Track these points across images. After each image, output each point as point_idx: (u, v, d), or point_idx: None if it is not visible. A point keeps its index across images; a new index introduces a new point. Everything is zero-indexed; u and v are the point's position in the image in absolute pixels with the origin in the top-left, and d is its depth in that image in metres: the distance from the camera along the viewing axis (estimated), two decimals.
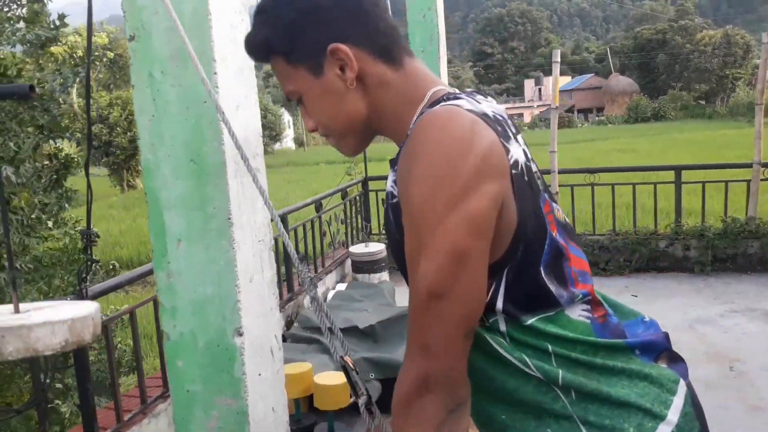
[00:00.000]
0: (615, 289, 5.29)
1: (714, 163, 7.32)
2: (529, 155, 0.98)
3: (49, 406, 4.29)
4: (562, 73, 74.01)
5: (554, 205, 1.02)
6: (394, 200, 0.95)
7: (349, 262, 5.02)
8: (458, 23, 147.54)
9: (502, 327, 0.94)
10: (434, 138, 0.87)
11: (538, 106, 62.36)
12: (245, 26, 1.91)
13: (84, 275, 2.13)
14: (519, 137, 0.99)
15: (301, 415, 2.85)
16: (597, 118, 55.88)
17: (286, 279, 4.15)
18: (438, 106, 0.94)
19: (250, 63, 1.89)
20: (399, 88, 1.00)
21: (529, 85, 75.04)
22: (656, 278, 5.57)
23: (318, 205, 4.69)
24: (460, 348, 0.88)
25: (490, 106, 0.98)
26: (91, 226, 2.16)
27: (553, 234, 0.95)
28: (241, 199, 1.85)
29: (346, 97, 0.99)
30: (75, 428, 2.85)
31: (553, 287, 0.94)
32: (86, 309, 1.24)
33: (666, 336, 1.06)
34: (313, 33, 0.97)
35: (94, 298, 2.36)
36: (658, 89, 56.71)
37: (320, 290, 4.61)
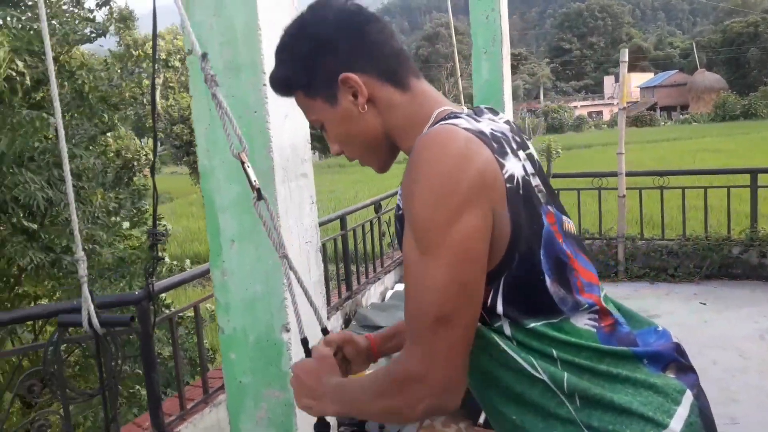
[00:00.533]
0: (683, 296, 5.12)
1: None
2: (529, 170, 1.01)
3: (130, 391, 4.59)
4: (644, 70, 71.42)
5: (563, 217, 1.05)
6: (400, 212, 1.02)
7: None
8: (535, 19, 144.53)
9: (507, 331, 1.00)
10: (431, 156, 0.93)
11: (617, 103, 60.33)
12: None
13: (151, 271, 2.29)
14: (521, 152, 1.03)
15: None
16: (681, 116, 53.49)
17: (345, 278, 4.27)
18: (437, 125, 1.00)
19: None
20: (406, 110, 1.07)
21: (609, 81, 72.70)
22: (728, 286, 5.34)
23: (377, 206, 4.78)
24: (461, 361, 0.95)
25: (490, 123, 1.03)
26: (157, 226, 2.32)
27: (559, 244, 0.99)
28: (288, 203, 1.96)
29: (361, 121, 1.08)
30: (145, 414, 3.06)
31: (556, 295, 0.98)
32: None
33: (676, 346, 1.08)
34: (324, 65, 1.06)
35: (159, 293, 2.54)
36: (748, 86, 53.71)
37: (378, 290, 4.70)
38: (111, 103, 3.58)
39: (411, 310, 0.96)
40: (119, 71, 3.76)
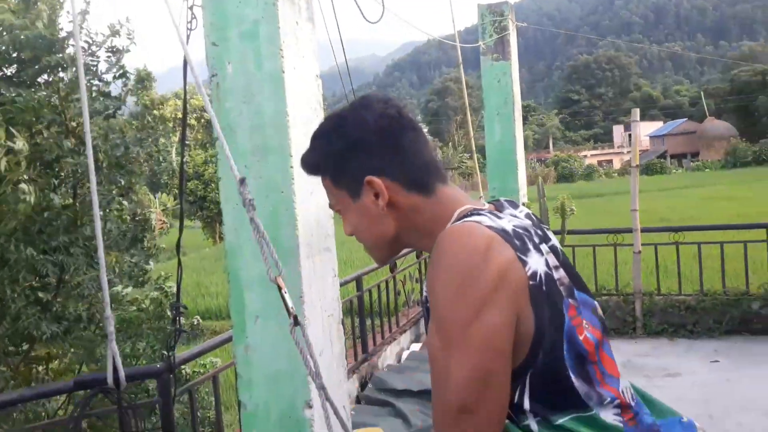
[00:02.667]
0: (703, 354, 5.05)
1: None
2: (552, 263, 1.03)
3: None
4: (653, 118, 71.78)
5: (590, 301, 1.07)
6: (427, 304, 1.05)
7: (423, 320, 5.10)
8: (543, 71, 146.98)
9: (534, 427, 1.01)
10: (453, 250, 0.97)
11: (627, 151, 60.63)
12: (319, 120, 2.10)
13: (172, 344, 2.32)
14: (544, 246, 1.05)
15: None
16: (692, 163, 53.61)
17: (360, 337, 4.25)
18: (460, 221, 1.04)
19: None
20: (429, 213, 1.12)
21: (618, 130, 73.33)
22: (749, 341, 5.24)
23: (393, 266, 4.81)
24: None
25: (512, 220, 1.06)
26: (180, 300, 2.36)
27: (579, 338, 1.01)
28: (312, 278, 2.00)
29: (378, 219, 1.13)
30: None
31: (581, 390, 1.00)
32: None
33: None
34: (355, 163, 1.12)
35: (179, 365, 2.56)
36: (758, 133, 53.96)
37: (395, 350, 4.68)
38: (127, 169, 3.67)
39: (435, 400, 0.98)
40: (137, 135, 3.85)
